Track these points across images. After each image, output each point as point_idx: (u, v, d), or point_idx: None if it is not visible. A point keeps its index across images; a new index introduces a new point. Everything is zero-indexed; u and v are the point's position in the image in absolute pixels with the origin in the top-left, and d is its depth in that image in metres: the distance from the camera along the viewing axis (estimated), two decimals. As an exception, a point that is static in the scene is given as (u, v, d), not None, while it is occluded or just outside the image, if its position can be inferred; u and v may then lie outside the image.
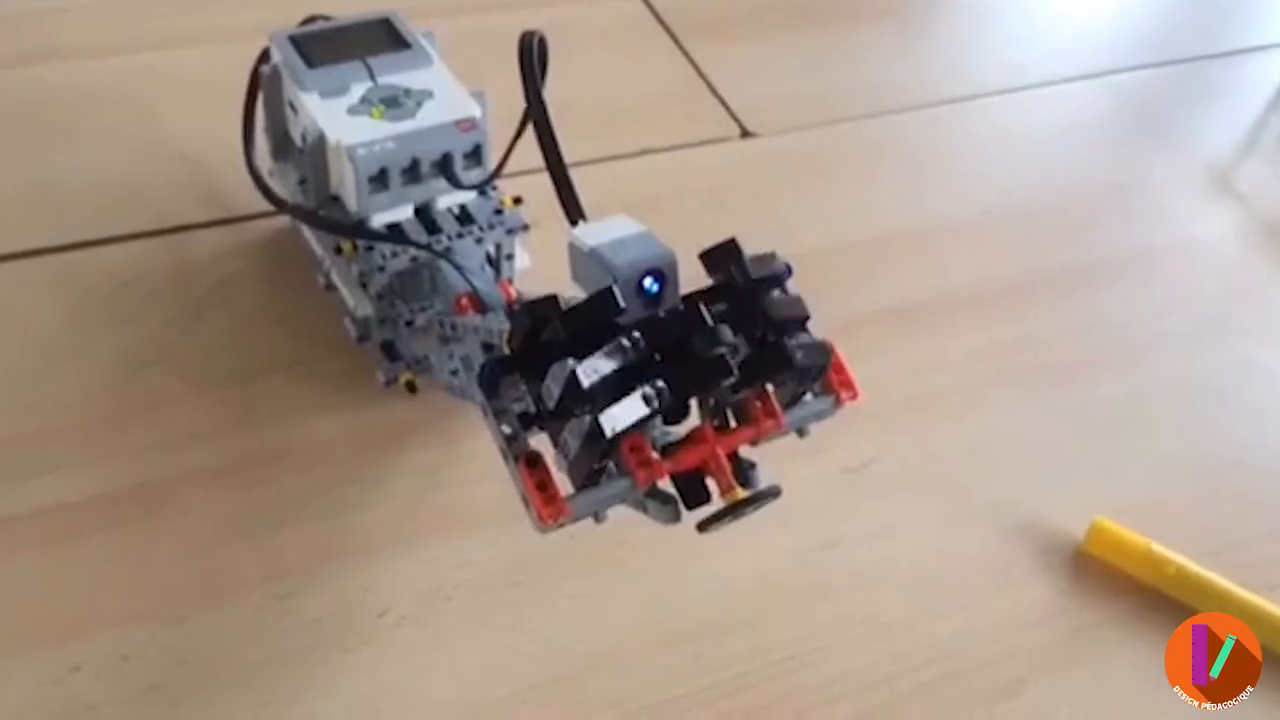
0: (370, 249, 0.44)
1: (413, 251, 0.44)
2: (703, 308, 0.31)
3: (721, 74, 0.69)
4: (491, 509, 0.44)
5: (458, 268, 0.43)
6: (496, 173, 0.43)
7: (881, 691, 0.42)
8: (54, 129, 0.59)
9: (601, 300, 0.31)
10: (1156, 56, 0.76)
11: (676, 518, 0.33)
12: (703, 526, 0.32)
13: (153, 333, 0.50)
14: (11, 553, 0.42)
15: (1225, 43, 0.79)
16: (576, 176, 0.37)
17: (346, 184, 0.44)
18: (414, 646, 0.42)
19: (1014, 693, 0.43)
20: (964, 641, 0.44)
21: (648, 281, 0.31)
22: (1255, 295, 0.61)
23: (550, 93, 0.38)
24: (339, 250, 0.45)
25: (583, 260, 0.32)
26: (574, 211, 0.36)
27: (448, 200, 0.46)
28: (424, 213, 0.46)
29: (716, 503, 0.33)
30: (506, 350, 0.34)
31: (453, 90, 0.46)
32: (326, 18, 0.49)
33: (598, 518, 0.33)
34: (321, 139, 0.44)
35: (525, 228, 0.47)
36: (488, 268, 0.47)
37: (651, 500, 0.34)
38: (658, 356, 0.31)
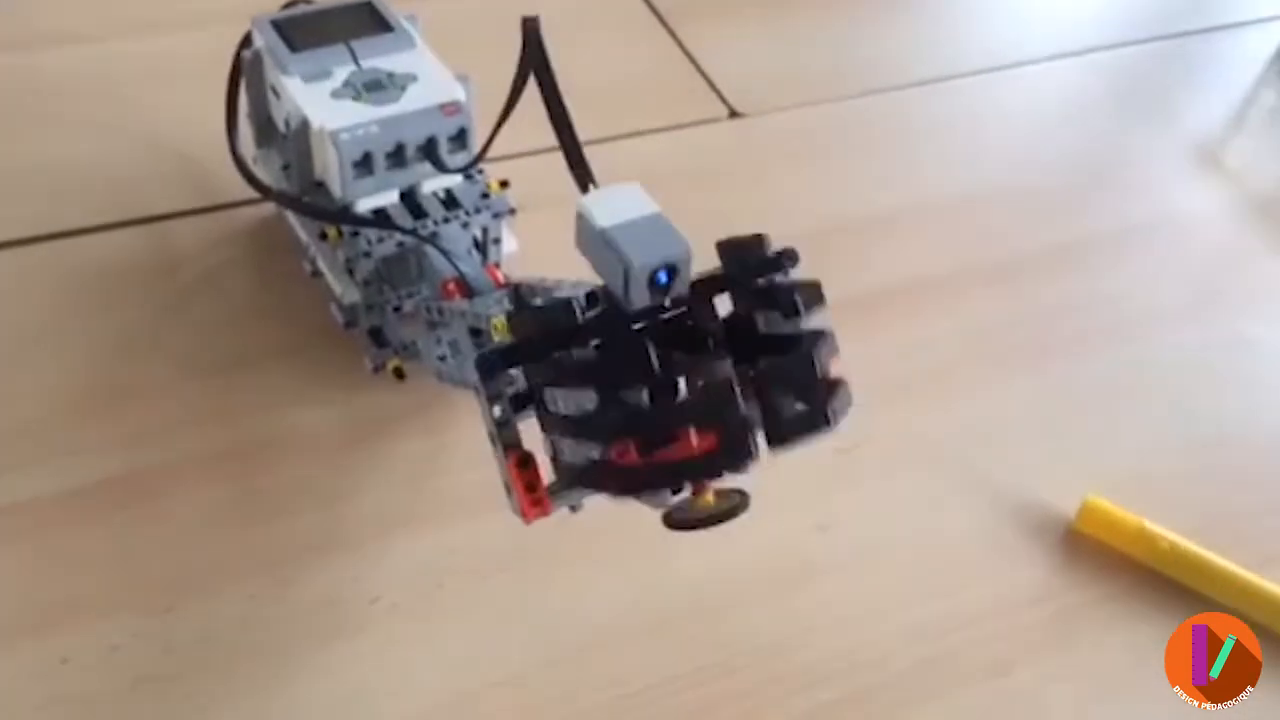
0: (356, 235, 0.44)
1: (398, 237, 0.44)
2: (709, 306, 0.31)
3: (709, 54, 0.69)
4: (481, 495, 0.44)
5: (444, 253, 0.43)
6: (481, 155, 0.43)
7: (873, 672, 0.42)
8: (34, 117, 0.58)
9: (610, 321, 0.31)
10: (1144, 33, 0.76)
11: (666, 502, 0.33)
12: (672, 524, 0.32)
13: (137, 322, 0.50)
14: (-2, 545, 0.42)
15: (1211, 18, 0.79)
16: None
17: (331, 169, 0.43)
18: (405, 634, 0.42)
19: (1005, 672, 0.43)
20: (955, 622, 0.44)
21: (659, 274, 0.31)
22: (1245, 270, 0.61)
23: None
24: (324, 236, 0.45)
25: (592, 237, 0.31)
26: (584, 176, 0.36)
27: (433, 185, 0.45)
28: (409, 197, 0.45)
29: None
30: (495, 337, 0.33)
31: (437, 73, 0.45)
32: (309, 1, 0.48)
33: (574, 508, 0.33)
34: (305, 124, 0.44)
35: (512, 211, 0.46)
36: (475, 252, 0.46)
37: None
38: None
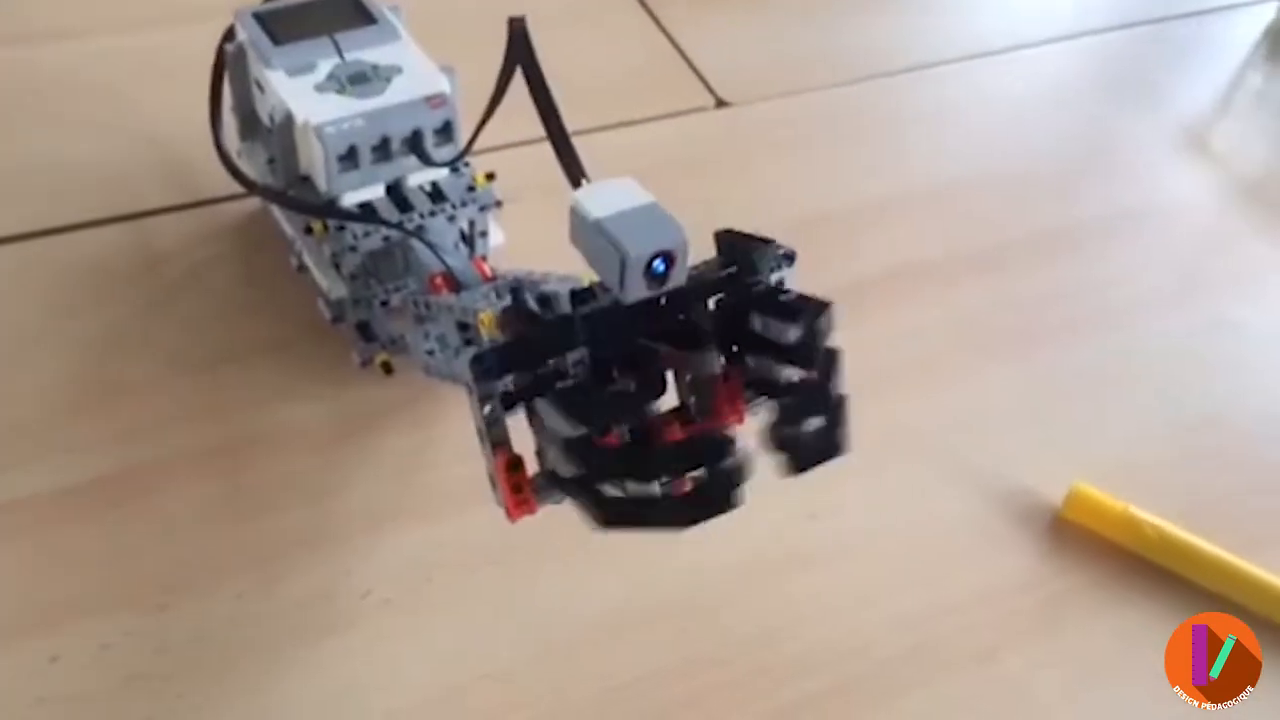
0: (341, 229, 0.44)
1: (384, 231, 0.44)
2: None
3: (695, 43, 0.68)
4: (470, 489, 0.44)
5: (431, 246, 0.43)
6: (467, 149, 0.43)
7: (863, 660, 0.42)
8: (16, 114, 0.58)
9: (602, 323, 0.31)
10: (1129, 17, 0.76)
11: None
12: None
13: (125, 319, 0.50)
14: (-13, 544, 0.42)
15: (1197, 2, 0.79)
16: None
17: (316, 163, 0.43)
18: (396, 628, 0.42)
19: (993, 659, 0.43)
20: (943, 609, 0.44)
21: (656, 263, 0.31)
22: (1231, 254, 0.61)
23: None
24: (310, 231, 0.44)
25: (586, 230, 0.31)
26: (575, 171, 0.36)
27: (419, 178, 0.45)
28: (395, 191, 0.45)
29: None
30: (482, 332, 0.33)
31: (421, 65, 0.45)
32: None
33: (559, 500, 0.33)
34: (289, 118, 0.43)
35: (499, 204, 0.46)
36: (461, 245, 0.46)
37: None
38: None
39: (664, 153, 0.61)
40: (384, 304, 0.46)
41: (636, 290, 0.30)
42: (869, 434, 0.49)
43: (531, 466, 0.33)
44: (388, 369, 0.47)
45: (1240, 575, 0.45)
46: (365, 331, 0.47)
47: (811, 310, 0.32)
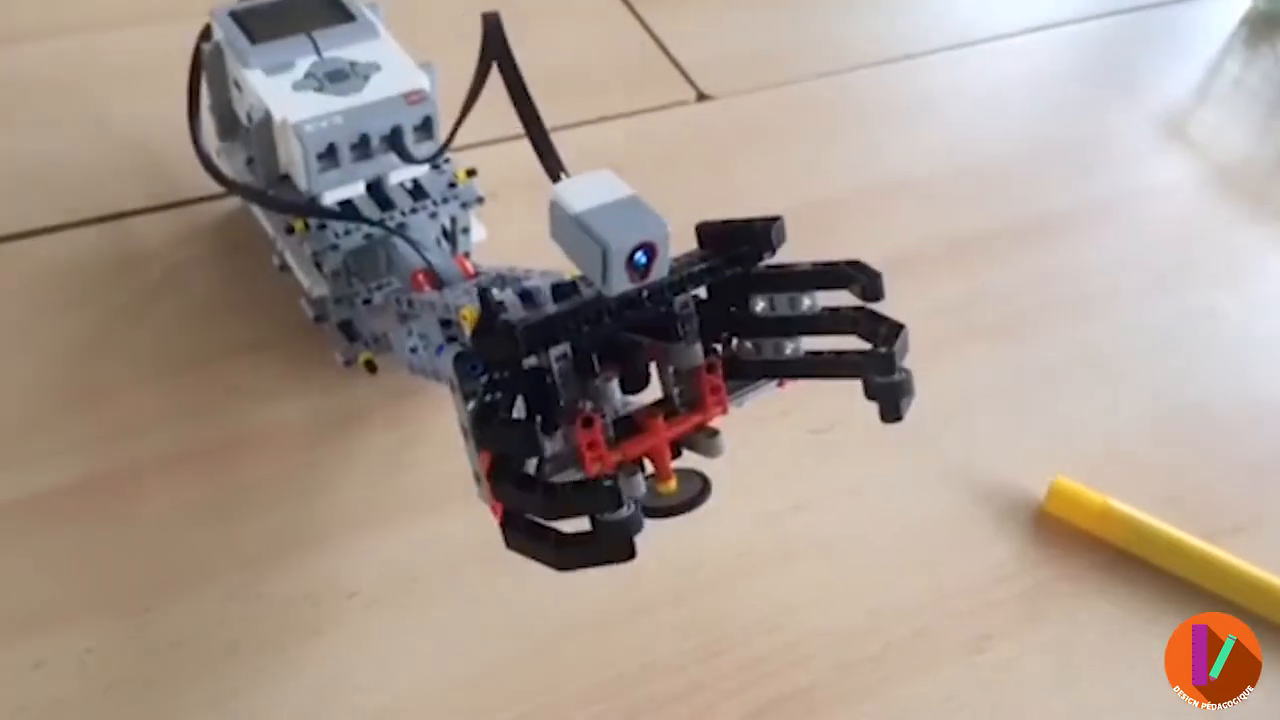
0: (323, 228, 0.43)
1: (366, 229, 0.44)
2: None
3: (675, 37, 0.68)
4: (456, 487, 0.44)
5: (412, 244, 0.43)
6: (447, 144, 0.42)
7: (853, 651, 0.42)
8: (-7, 115, 0.58)
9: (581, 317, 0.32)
10: (1107, 5, 0.76)
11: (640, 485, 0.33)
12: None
13: (105, 321, 0.50)
14: (-32, 550, 0.42)
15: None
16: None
17: (295, 162, 0.43)
18: (385, 627, 0.41)
19: (983, 648, 0.43)
20: (933, 599, 0.44)
21: (638, 255, 0.31)
22: (1211, 242, 0.61)
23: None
24: (291, 230, 0.44)
25: (567, 224, 0.31)
26: (554, 167, 0.35)
27: (400, 175, 0.45)
28: (376, 189, 0.45)
29: None
30: (465, 327, 0.33)
31: (400, 62, 0.45)
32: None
33: None
34: (267, 117, 0.43)
35: (480, 200, 0.46)
36: (443, 242, 0.46)
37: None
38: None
39: (645, 146, 0.61)
40: (366, 302, 0.46)
41: (619, 284, 0.30)
42: (854, 425, 0.49)
43: None
44: (371, 368, 0.47)
45: (1217, 565, 0.45)
46: (348, 330, 0.47)
47: (867, 273, 0.33)
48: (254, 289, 0.51)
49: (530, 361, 0.32)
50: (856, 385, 0.33)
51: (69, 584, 0.41)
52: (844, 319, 0.33)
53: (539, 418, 0.32)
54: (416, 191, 0.45)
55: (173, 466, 0.45)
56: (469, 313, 0.33)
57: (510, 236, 0.47)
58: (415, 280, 0.41)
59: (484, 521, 0.32)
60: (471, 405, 0.32)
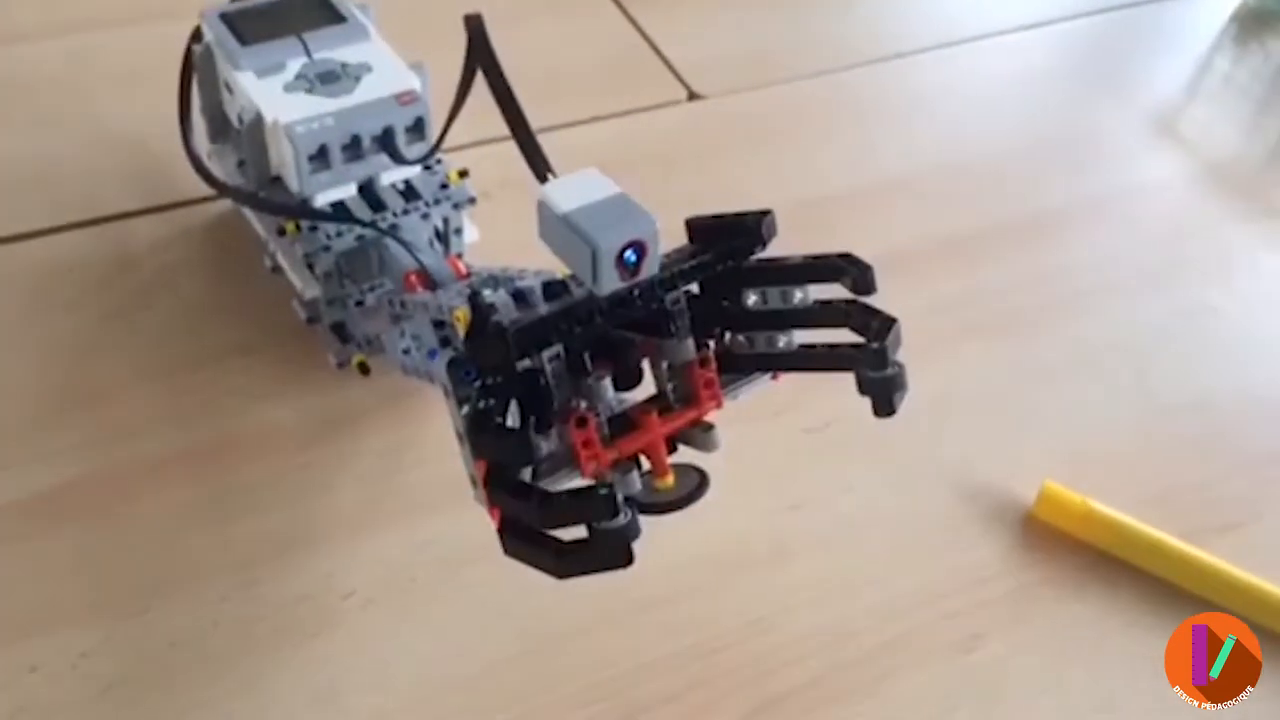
0: (314, 229, 0.43)
1: (358, 230, 0.44)
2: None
3: (666, 37, 0.68)
4: (451, 488, 0.44)
5: (405, 245, 0.43)
6: (438, 144, 0.42)
7: (848, 649, 0.43)
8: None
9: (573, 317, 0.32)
10: (1097, 3, 0.77)
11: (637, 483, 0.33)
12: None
13: (98, 323, 0.49)
14: (-39, 555, 0.42)
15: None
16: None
17: (287, 164, 0.43)
18: (381, 628, 0.41)
19: (974, 647, 0.43)
20: (925, 598, 0.44)
21: (628, 253, 0.31)
22: (1203, 239, 0.61)
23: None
24: (282, 232, 0.44)
25: (555, 225, 0.31)
26: (541, 167, 0.35)
27: (392, 176, 0.45)
28: (368, 190, 0.45)
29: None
30: (458, 329, 0.33)
31: (391, 63, 0.45)
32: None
33: None
34: (259, 119, 0.43)
35: (472, 201, 0.46)
36: (436, 243, 0.46)
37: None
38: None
39: (637, 147, 0.61)
40: (359, 304, 0.46)
41: (610, 282, 0.30)
42: (848, 423, 0.49)
43: None
44: (364, 369, 0.47)
45: (1201, 568, 0.45)
46: (341, 332, 0.47)
47: (859, 266, 0.33)
48: (246, 291, 0.51)
49: (523, 363, 0.32)
50: (850, 384, 0.33)
51: (64, 586, 0.41)
52: (836, 312, 0.34)
53: (533, 420, 0.32)
54: (408, 192, 0.45)
55: (167, 468, 0.45)
56: (462, 314, 0.33)
57: (503, 237, 0.47)
58: (408, 281, 0.41)
59: (480, 522, 0.32)
60: (465, 411, 0.32)
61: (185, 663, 0.40)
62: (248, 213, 0.50)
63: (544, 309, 0.32)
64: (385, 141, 0.43)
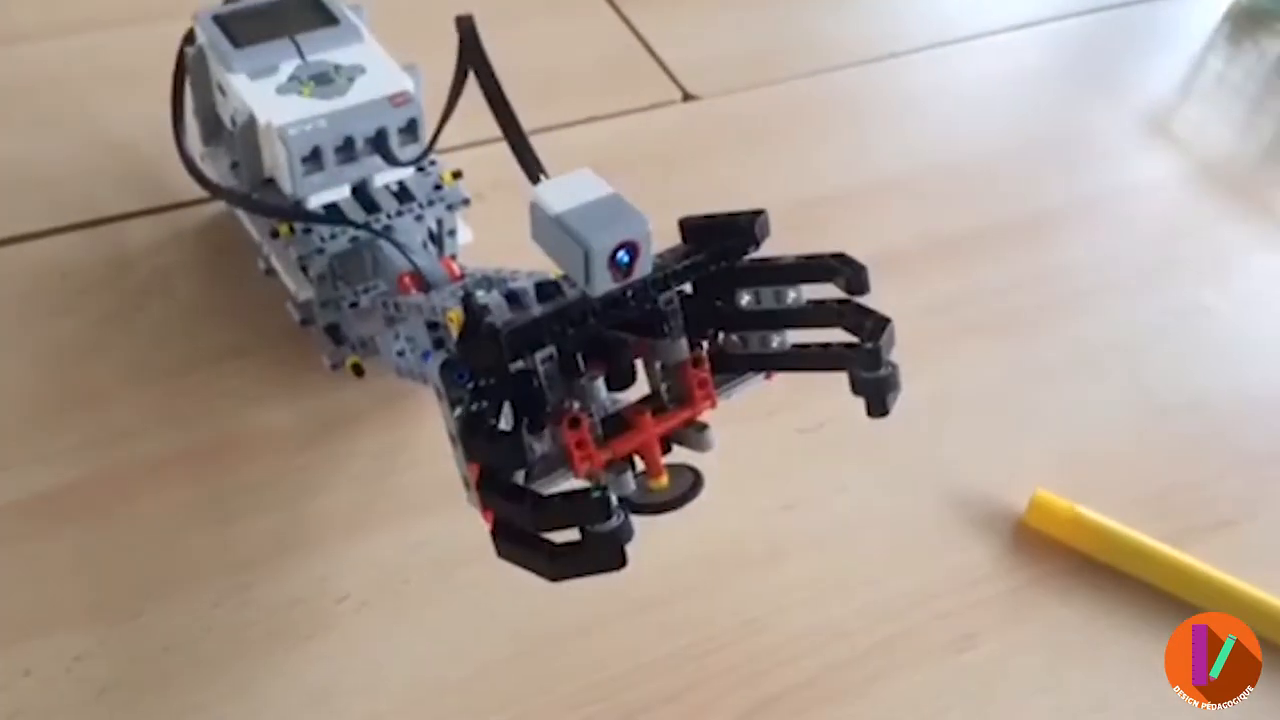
0: (308, 231, 0.43)
1: (352, 232, 0.44)
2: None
3: (660, 37, 0.68)
4: (445, 490, 0.44)
5: (398, 246, 0.43)
6: (431, 146, 0.42)
7: (843, 649, 0.43)
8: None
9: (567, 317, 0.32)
10: (1088, 3, 0.77)
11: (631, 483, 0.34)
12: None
13: (91, 326, 0.49)
14: (-45, 558, 0.41)
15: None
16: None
17: (280, 165, 0.43)
18: (375, 630, 0.41)
19: (968, 647, 0.43)
20: (919, 598, 0.44)
21: (620, 254, 0.30)
22: (1197, 238, 0.61)
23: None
24: (276, 234, 0.44)
25: (548, 226, 0.31)
26: (533, 168, 0.35)
27: (385, 178, 0.45)
28: (361, 191, 0.45)
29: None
30: (451, 330, 0.33)
31: (384, 65, 0.45)
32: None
33: None
34: (251, 121, 0.43)
35: (466, 202, 0.46)
36: (429, 245, 0.46)
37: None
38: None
39: (631, 147, 0.61)
40: (353, 306, 0.45)
41: (603, 283, 0.30)
42: (842, 424, 0.49)
43: None
44: (358, 371, 0.47)
45: (1190, 574, 0.45)
46: (335, 334, 0.47)
47: (852, 266, 0.33)
48: (240, 293, 0.51)
49: (516, 365, 0.32)
50: (843, 384, 0.33)
51: (58, 589, 0.41)
52: (830, 312, 0.34)
53: (526, 423, 0.32)
54: (402, 194, 0.45)
55: (161, 471, 0.45)
56: (455, 315, 0.33)
57: (497, 238, 0.47)
58: (401, 283, 0.41)
59: (473, 524, 0.32)
60: (458, 413, 0.32)
61: (179, 666, 0.40)
62: (241, 215, 0.50)
63: (537, 310, 0.32)
64: (378, 143, 0.43)
